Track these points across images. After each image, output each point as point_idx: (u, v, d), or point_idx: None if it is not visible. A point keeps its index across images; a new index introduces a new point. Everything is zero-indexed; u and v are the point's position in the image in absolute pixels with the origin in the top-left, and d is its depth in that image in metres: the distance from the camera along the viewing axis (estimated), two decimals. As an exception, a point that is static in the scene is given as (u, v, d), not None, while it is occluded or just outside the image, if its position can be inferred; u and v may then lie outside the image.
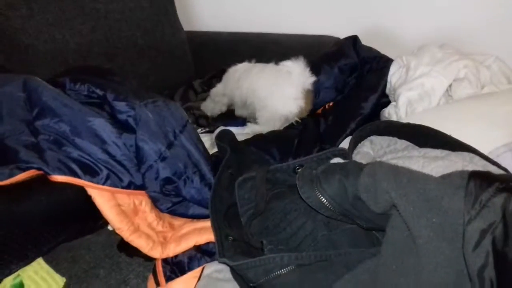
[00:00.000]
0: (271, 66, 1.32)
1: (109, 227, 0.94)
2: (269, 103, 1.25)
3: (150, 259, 0.87)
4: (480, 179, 0.50)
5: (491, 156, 0.74)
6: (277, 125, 1.25)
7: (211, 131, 1.30)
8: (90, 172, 0.80)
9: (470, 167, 0.66)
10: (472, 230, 0.48)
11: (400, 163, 0.70)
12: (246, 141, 1.10)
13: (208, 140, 1.19)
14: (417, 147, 0.78)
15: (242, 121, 1.35)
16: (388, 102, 1.16)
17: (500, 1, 1.38)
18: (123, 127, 0.86)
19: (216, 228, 0.75)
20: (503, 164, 0.72)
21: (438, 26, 1.48)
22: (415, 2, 1.51)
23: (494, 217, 0.47)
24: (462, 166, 0.68)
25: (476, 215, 0.48)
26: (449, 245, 0.48)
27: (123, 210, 0.84)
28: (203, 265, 0.82)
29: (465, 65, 1.04)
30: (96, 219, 0.90)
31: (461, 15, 1.46)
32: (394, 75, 1.15)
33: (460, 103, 0.99)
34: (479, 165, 0.68)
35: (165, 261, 0.85)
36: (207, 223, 0.86)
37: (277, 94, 1.23)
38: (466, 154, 0.71)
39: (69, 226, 0.89)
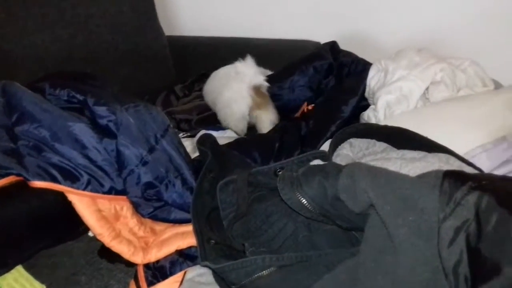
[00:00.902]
0: (226, 68, 1.36)
1: (90, 233, 0.93)
2: (222, 103, 1.30)
3: (132, 265, 0.87)
4: (454, 178, 0.52)
5: (466, 157, 0.76)
6: (239, 126, 1.28)
7: (193, 136, 1.30)
8: (71, 177, 0.80)
9: (446, 168, 0.68)
10: (447, 228, 0.49)
11: (379, 164, 0.72)
12: (227, 145, 1.10)
13: (189, 145, 1.19)
14: (395, 149, 0.79)
15: (223, 125, 1.36)
16: (367, 105, 1.18)
17: (475, 8, 1.42)
18: (104, 132, 0.86)
19: (198, 232, 0.75)
20: (478, 165, 0.74)
21: (415, 31, 1.52)
22: (394, 8, 1.54)
23: (468, 215, 0.49)
24: (439, 167, 0.69)
25: (451, 213, 0.49)
26: (425, 242, 0.50)
27: (104, 216, 0.83)
28: (185, 270, 0.82)
29: (442, 68, 1.07)
30: (76, 225, 0.89)
31: (437, 20, 1.49)
32: (373, 79, 1.17)
33: (436, 106, 1.01)
34: (455, 166, 0.70)
35: (146, 266, 0.84)
36: (189, 228, 0.86)
37: (227, 93, 1.28)
38: (442, 155, 0.73)
39: (49, 232, 0.88)
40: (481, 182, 0.51)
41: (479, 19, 1.43)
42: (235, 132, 1.31)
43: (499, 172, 0.82)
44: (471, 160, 0.75)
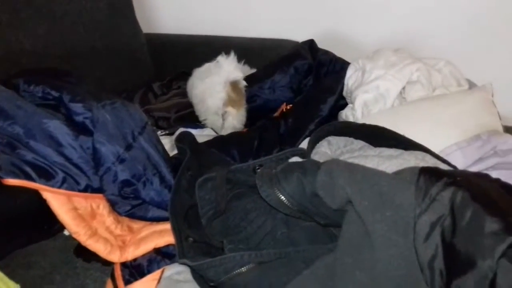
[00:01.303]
0: (207, 64, 1.35)
1: (66, 232, 0.91)
2: (197, 98, 1.30)
3: (109, 264, 0.86)
4: (430, 174, 0.53)
5: (442, 155, 0.78)
6: (215, 123, 1.28)
7: (171, 133, 1.29)
8: (45, 175, 0.78)
9: (422, 165, 0.69)
10: (423, 223, 0.50)
11: (356, 162, 0.72)
12: (206, 142, 1.10)
13: (168, 143, 1.18)
14: (372, 147, 0.81)
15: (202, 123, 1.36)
16: (345, 104, 1.19)
17: (449, 10, 1.45)
18: (79, 129, 0.85)
19: (176, 230, 0.75)
20: (453, 162, 0.76)
21: (392, 31, 1.54)
22: (371, 8, 1.56)
23: (443, 210, 0.50)
24: (415, 164, 0.70)
25: (426, 208, 0.50)
26: (402, 238, 0.50)
27: (80, 214, 0.82)
28: (163, 268, 0.81)
29: (418, 68, 1.08)
30: (52, 224, 0.87)
31: (414, 21, 1.52)
32: (350, 78, 1.18)
33: (413, 105, 1.03)
34: (431, 163, 0.72)
35: (124, 265, 0.83)
36: (167, 226, 0.85)
37: (202, 87, 1.28)
38: (418, 152, 0.74)
39: (23, 231, 0.87)
40: (456, 178, 0.52)
41: (453, 20, 1.46)
42: (213, 130, 1.31)
43: (474, 169, 0.84)
44: (446, 158, 0.77)
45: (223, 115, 1.27)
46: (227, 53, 1.34)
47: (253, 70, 1.42)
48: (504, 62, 1.44)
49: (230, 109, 1.26)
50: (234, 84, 1.26)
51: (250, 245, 0.72)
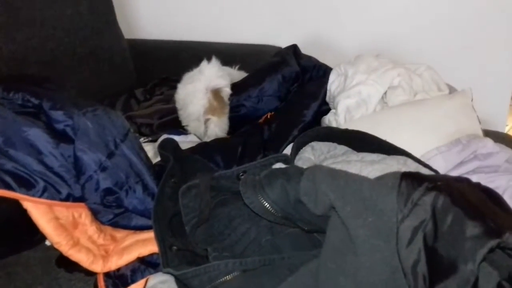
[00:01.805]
0: (195, 70, 1.34)
1: (47, 242, 0.90)
2: (179, 104, 1.29)
3: (91, 274, 0.84)
4: (411, 179, 0.53)
5: (423, 159, 0.79)
6: (198, 129, 1.27)
7: (154, 140, 1.28)
8: (25, 184, 0.77)
9: (404, 170, 0.70)
10: (405, 228, 0.50)
11: (339, 167, 0.73)
12: (190, 149, 1.09)
13: (151, 150, 1.17)
14: (355, 152, 0.81)
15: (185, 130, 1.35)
16: (328, 110, 1.19)
17: (430, 16, 1.48)
18: (60, 137, 0.83)
19: (159, 238, 0.74)
20: (434, 166, 0.77)
21: (373, 36, 1.56)
22: (352, 13, 1.58)
23: (425, 215, 0.50)
24: (397, 169, 0.71)
25: (408, 213, 0.51)
26: (385, 243, 0.51)
27: (62, 224, 0.81)
28: (147, 277, 0.80)
29: (399, 73, 1.10)
30: (32, 234, 0.86)
31: (395, 26, 1.54)
32: (333, 83, 1.19)
33: (393, 110, 1.04)
34: (412, 168, 0.72)
35: (107, 275, 0.82)
36: (151, 234, 0.84)
37: (182, 93, 1.28)
38: (400, 157, 0.75)
39: (3, 242, 0.85)
40: (437, 182, 0.52)
41: (434, 26, 1.49)
42: (196, 136, 1.30)
43: (454, 173, 0.85)
44: (427, 162, 0.78)
45: (205, 122, 1.26)
46: (210, 58, 1.34)
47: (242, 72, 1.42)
48: (483, 66, 1.47)
49: (211, 117, 1.25)
50: (216, 92, 1.25)
51: (235, 252, 0.71)
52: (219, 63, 1.31)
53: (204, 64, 1.29)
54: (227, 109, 1.27)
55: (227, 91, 1.27)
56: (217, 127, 1.25)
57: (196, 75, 1.28)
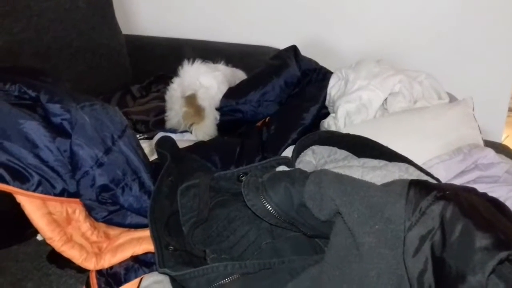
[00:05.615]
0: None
1: (39, 237, 0.88)
2: (166, 106, 1.31)
3: (83, 271, 0.83)
4: (420, 187, 0.53)
5: (424, 167, 0.78)
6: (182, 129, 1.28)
7: (150, 138, 1.27)
8: (20, 178, 0.75)
9: (406, 177, 0.69)
10: (412, 237, 0.50)
11: (341, 172, 0.72)
12: (187, 148, 1.08)
13: (147, 147, 1.16)
14: (356, 157, 0.80)
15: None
16: (328, 113, 1.19)
17: (431, 23, 1.48)
18: (57, 130, 0.81)
19: (155, 238, 0.72)
20: (435, 175, 0.76)
21: (373, 41, 1.56)
22: (353, 17, 1.58)
23: (433, 224, 0.49)
24: (399, 176, 0.70)
25: (416, 222, 0.50)
26: (391, 251, 0.50)
27: (55, 219, 0.79)
28: (141, 277, 0.79)
29: (400, 80, 1.09)
30: (25, 228, 0.84)
31: (396, 33, 1.54)
32: (333, 87, 1.18)
33: (395, 117, 1.04)
34: (414, 175, 0.72)
35: (99, 272, 0.80)
36: (145, 233, 0.83)
37: (167, 95, 1.31)
38: (402, 164, 0.74)
39: (-7, 235, 0.83)
40: (446, 192, 0.52)
41: (434, 33, 1.49)
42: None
43: (455, 182, 0.84)
44: (428, 171, 0.77)
45: (189, 128, 1.26)
46: (207, 58, 1.33)
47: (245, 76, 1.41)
48: (484, 76, 1.48)
49: (193, 125, 1.25)
50: (189, 98, 1.24)
51: (233, 254, 0.70)
52: (198, 63, 1.31)
53: (184, 66, 1.30)
54: (204, 112, 1.25)
55: (202, 95, 1.25)
56: (201, 132, 1.25)
57: (175, 80, 1.30)
